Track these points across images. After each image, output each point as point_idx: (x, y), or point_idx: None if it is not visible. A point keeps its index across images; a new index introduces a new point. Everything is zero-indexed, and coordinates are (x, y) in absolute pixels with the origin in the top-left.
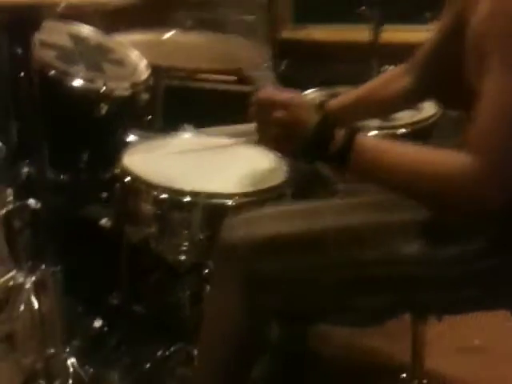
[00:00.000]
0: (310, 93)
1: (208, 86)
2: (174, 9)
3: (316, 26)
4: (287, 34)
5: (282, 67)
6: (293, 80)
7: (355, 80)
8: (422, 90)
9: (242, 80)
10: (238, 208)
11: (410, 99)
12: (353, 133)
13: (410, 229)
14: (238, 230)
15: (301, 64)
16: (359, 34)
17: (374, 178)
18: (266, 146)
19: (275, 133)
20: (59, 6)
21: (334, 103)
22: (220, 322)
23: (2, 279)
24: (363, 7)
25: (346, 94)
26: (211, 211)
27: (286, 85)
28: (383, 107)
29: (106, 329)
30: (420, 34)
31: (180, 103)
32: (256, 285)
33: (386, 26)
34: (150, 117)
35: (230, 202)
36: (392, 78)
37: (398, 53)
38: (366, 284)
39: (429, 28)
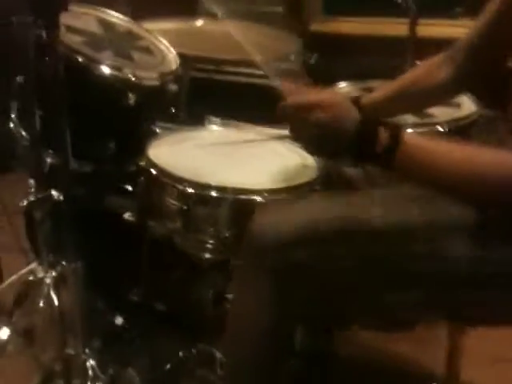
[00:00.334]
0: (342, 87)
1: (233, 78)
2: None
3: (346, 19)
4: (317, 26)
5: (313, 60)
6: (324, 73)
7: (387, 74)
8: (463, 80)
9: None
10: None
11: (450, 91)
12: (398, 132)
13: (459, 225)
14: (268, 220)
15: (331, 57)
16: (392, 26)
17: (421, 178)
18: (303, 149)
19: (314, 134)
20: None
21: (368, 98)
22: (247, 321)
23: (22, 271)
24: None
25: (380, 89)
26: (239, 207)
27: (317, 78)
28: (422, 100)
29: (126, 326)
30: (452, 29)
31: (204, 95)
32: (288, 279)
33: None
34: (173, 109)
35: (258, 198)
36: (430, 68)
37: (431, 47)
38: (408, 279)
39: (462, 22)
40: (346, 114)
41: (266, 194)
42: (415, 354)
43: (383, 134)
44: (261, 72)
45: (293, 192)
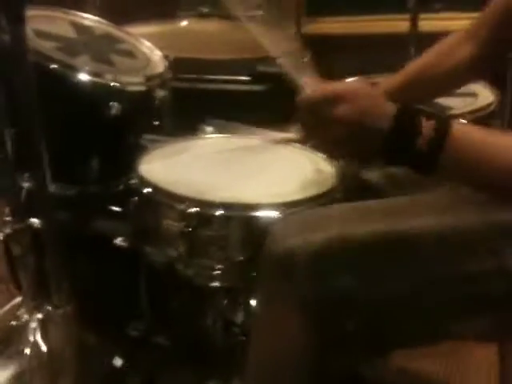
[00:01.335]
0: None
1: (218, 86)
2: (177, 5)
3: (327, 19)
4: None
5: (306, 60)
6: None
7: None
8: (488, 58)
9: (256, 78)
10: None
11: (476, 68)
12: (445, 123)
13: None
14: (292, 234)
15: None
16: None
17: (474, 177)
18: (325, 153)
19: (337, 134)
20: None
21: (386, 84)
22: (274, 353)
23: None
24: None
25: (398, 74)
26: (250, 226)
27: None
28: (447, 81)
29: (126, 367)
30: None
31: (188, 105)
32: (323, 305)
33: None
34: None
35: (272, 214)
36: (451, 47)
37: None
38: (471, 304)
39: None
40: (377, 106)
41: (281, 209)
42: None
43: (426, 127)
44: (246, 78)
45: (311, 204)
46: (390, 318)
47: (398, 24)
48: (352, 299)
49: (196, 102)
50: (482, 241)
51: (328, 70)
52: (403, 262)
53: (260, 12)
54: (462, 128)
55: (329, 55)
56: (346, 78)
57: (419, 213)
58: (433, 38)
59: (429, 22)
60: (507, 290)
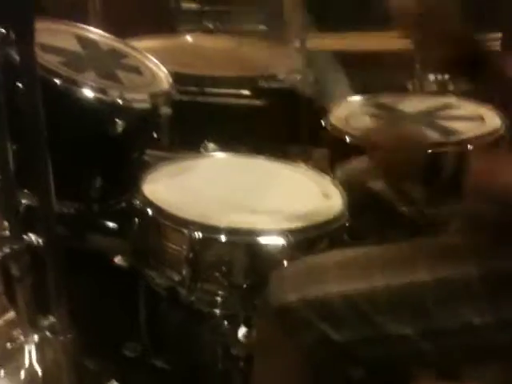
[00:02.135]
0: (353, 101)
1: (219, 100)
2: (183, 19)
3: (331, 34)
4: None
5: (311, 78)
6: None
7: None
8: None
9: (256, 93)
10: (288, 248)
11: None
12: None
13: None
14: (289, 289)
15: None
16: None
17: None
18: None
19: None
20: None
21: None
22: None
23: None
24: None
25: None
26: (255, 252)
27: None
28: None
29: None
30: None
31: (188, 120)
32: (323, 357)
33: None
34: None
35: (278, 241)
36: None
37: None
38: (473, 353)
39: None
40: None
41: (287, 235)
42: None
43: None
44: (247, 93)
45: (319, 230)
46: (394, 368)
47: (403, 41)
48: (353, 351)
49: (196, 115)
50: (482, 292)
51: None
52: (404, 315)
53: (263, 27)
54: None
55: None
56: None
57: (419, 264)
58: None
59: None
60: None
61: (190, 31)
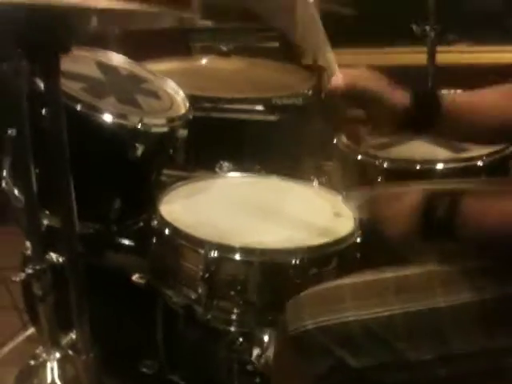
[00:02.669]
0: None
1: (232, 115)
2: (190, 38)
3: (343, 50)
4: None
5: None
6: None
7: None
8: None
9: (269, 108)
10: (302, 267)
11: None
12: (455, 201)
13: None
14: (306, 317)
15: None
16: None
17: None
18: None
19: None
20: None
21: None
22: None
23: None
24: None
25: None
26: (270, 271)
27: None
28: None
29: None
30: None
31: (204, 137)
32: (345, 382)
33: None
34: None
35: (292, 261)
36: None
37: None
38: (496, 377)
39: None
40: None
41: (300, 255)
42: None
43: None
44: (260, 108)
45: (331, 248)
46: None
47: (414, 56)
48: (370, 376)
49: (211, 132)
50: (497, 316)
51: None
52: (421, 341)
53: (276, 44)
54: (469, 202)
55: None
56: None
57: (433, 290)
58: (449, 70)
59: (443, 55)
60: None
61: (204, 50)
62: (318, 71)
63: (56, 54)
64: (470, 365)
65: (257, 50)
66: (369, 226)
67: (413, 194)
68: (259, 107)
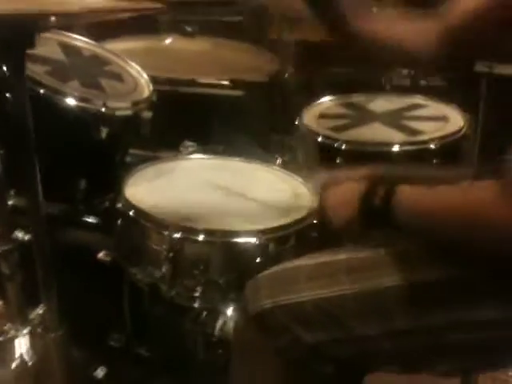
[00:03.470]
0: (324, 102)
1: (197, 90)
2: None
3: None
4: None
5: (287, 75)
6: (301, 88)
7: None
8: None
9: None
10: (262, 247)
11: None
12: (392, 186)
13: (485, 286)
14: (264, 297)
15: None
16: None
17: (421, 232)
18: None
19: None
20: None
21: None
22: None
23: None
24: None
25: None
26: (230, 251)
27: (294, 94)
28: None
29: (108, 379)
30: None
31: (166, 112)
32: (301, 358)
33: None
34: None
35: (252, 241)
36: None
37: None
38: (437, 351)
39: None
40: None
41: (260, 235)
42: None
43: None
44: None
45: (290, 229)
46: (359, 364)
47: None
48: (324, 350)
49: (175, 108)
50: (448, 295)
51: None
52: (371, 316)
53: (240, 18)
54: (405, 188)
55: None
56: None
57: (379, 270)
58: None
59: None
60: (463, 340)
61: (169, 31)
62: (282, 46)
63: (21, 48)
64: (413, 340)
65: (219, 24)
66: (320, 213)
67: (354, 181)
68: (225, 82)
